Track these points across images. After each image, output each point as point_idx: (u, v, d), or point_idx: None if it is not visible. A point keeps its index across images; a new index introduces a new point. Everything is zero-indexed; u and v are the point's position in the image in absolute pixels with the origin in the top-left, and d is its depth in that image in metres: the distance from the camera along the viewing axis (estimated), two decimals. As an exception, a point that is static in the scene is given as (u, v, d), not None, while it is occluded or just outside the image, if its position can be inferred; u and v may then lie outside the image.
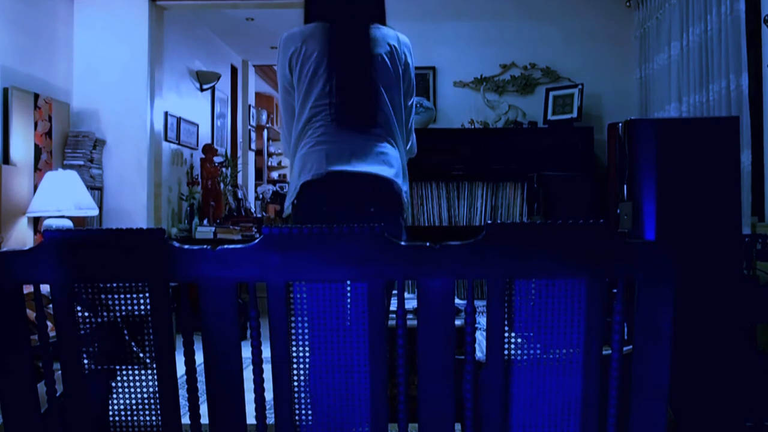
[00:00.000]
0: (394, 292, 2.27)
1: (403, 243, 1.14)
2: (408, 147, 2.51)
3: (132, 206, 5.85)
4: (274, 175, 12.54)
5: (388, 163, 2.34)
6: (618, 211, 3.36)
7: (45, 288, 1.26)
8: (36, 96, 5.18)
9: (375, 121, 2.34)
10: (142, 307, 1.26)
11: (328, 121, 2.33)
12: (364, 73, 2.34)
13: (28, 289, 1.26)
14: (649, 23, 5.26)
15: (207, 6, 6.27)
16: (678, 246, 1.17)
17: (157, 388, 1.25)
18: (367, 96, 2.34)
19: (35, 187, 5.06)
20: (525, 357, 1.17)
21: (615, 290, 1.17)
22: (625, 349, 1.18)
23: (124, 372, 1.28)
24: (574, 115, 5.47)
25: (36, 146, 5.18)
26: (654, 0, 5.17)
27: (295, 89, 2.40)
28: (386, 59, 2.39)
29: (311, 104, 2.36)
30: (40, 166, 5.20)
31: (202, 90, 7.53)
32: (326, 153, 2.30)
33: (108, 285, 1.27)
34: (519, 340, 1.17)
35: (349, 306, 1.22)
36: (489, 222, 1.13)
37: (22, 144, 5.00)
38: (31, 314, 1.48)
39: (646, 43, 5.36)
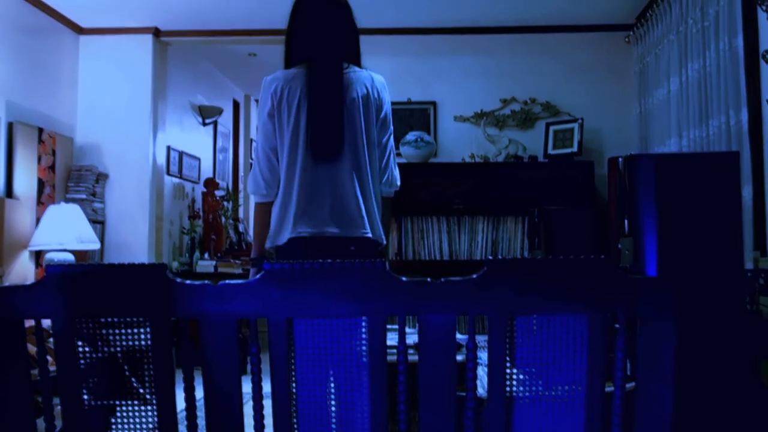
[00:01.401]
0: (390, 326, 2.28)
1: (404, 278, 1.14)
2: (385, 179, 2.67)
3: (133, 240, 5.85)
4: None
5: (367, 217, 2.54)
6: (619, 245, 3.36)
7: (46, 322, 1.26)
8: (40, 130, 5.21)
9: (349, 162, 2.53)
10: (143, 341, 1.26)
11: (309, 164, 2.51)
12: (336, 116, 2.51)
13: (28, 323, 1.26)
14: (648, 58, 5.31)
15: (210, 42, 6.34)
16: (679, 281, 1.17)
17: (156, 424, 1.25)
18: (339, 138, 2.51)
19: (37, 221, 5.07)
20: (527, 394, 1.16)
21: (617, 325, 1.16)
22: (628, 385, 1.17)
23: (124, 407, 1.27)
24: (575, 149, 5.49)
25: (39, 180, 5.20)
26: (653, 36, 5.22)
27: (280, 122, 2.56)
28: (361, 101, 2.56)
29: (297, 141, 2.53)
30: (42, 200, 5.22)
31: (204, 124, 7.58)
32: (307, 209, 2.49)
33: (109, 320, 1.26)
34: (521, 377, 1.16)
35: (347, 341, 1.21)
36: (490, 257, 1.13)
37: (25, 177, 5.02)
38: (31, 348, 1.47)
39: (645, 78, 5.40)
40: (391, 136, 2.70)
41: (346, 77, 2.57)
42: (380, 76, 2.69)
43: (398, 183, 2.74)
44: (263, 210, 2.64)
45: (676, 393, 1.14)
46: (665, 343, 1.12)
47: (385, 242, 2.66)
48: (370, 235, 2.53)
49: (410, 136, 5.59)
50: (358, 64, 2.67)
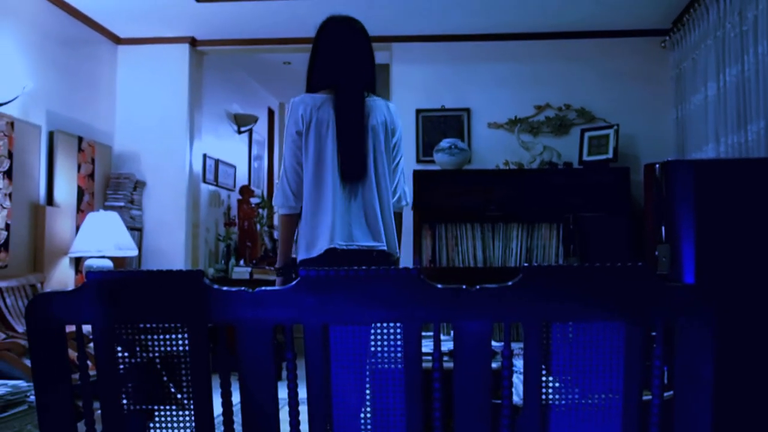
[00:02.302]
0: (424, 333, 2.29)
1: (439, 285, 1.14)
2: (396, 198, 2.92)
3: (170, 247, 5.93)
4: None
5: (385, 232, 2.81)
6: (656, 253, 3.32)
7: (86, 328, 1.28)
8: (80, 139, 5.31)
9: (371, 181, 2.78)
10: (180, 347, 1.27)
11: (338, 183, 2.75)
12: (361, 141, 2.78)
13: (69, 328, 1.29)
14: (685, 64, 5.24)
15: (245, 51, 6.40)
16: (718, 289, 1.15)
17: (194, 428, 1.26)
18: (364, 161, 2.77)
19: (77, 228, 5.16)
20: (563, 401, 1.15)
21: (654, 333, 1.15)
22: (666, 394, 1.16)
23: (162, 412, 1.29)
24: (610, 155, 5.44)
25: (79, 188, 5.30)
26: (690, 40, 5.16)
27: (307, 142, 2.79)
28: (380, 127, 2.83)
29: (324, 161, 2.77)
30: (82, 207, 5.31)
31: (239, 132, 7.65)
32: (343, 223, 2.74)
33: (147, 325, 1.28)
34: (557, 384, 1.15)
35: (381, 347, 1.22)
36: (525, 264, 1.13)
37: (65, 186, 5.12)
38: (72, 354, 1.50)
39: (682, 83, 5.33)
40: (403, 158, 2.96)
41: (367, 105, 2.82)
42: (393, 104, 2.96)
43: (409, 199, 3.01)
44: (290, 222, 2.86)
45: (716, 403, 1.13)
46: (704, 352, 1.11)
47: (398, 255, 2.90)
48: (385, 247, 2.79)
49: (444, 143, 5.59)
50: (374, 91, 2.90)
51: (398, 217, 2.98)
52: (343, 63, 2.83)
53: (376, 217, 2.77)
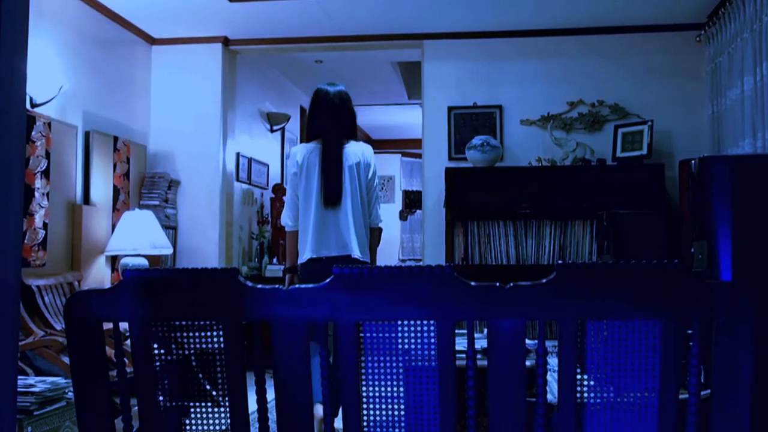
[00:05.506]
0: (457, 331, 2.30)
1: (473, 283, 1.14)
2: (372, 217, 3.91)
3: (204, 245, 5.98)
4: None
5: (357, 243, 3.79)
6: (692, 250, 3.27)
7: (123, 325, 1.30)
8: (115, 139, 5.39)
9: (347, 207, 3.79)
10: (215, 344, 1.29)
11: (321, 206, 3.79)
12: (338, 177, 3.81)
13: (106, 326, 1.31)
14: (721, 58, 5.16)
15: (277, 50, 6.44)
16: (757, 286, 1.13)
17: (229, 425, 1.27)
18: (339, 192, 3.79)
19: (113, 227, 5.23)
20: (598, 400, 1.14)
21: (690, 331, 1.14)
22: (702, 393, 1.15)
23: (197, 409, 1.31)
24: (644, 151, 5.37)
25: (114, 187, 5.37)
26: (725, 35, 5.07)
27: (300, 179, 3.85)
28: (354, 166, 3.85)
29: (310, 193, 3.80)
30: (118, 206, 5.38)
31: (272, 131, 7.69)
32: (318, 239, 3.77)
33: (183, 323, 1.30)
34: (591, 383, 1.15)
35: (415, 345, 1.22)
36: (560, 262, 1.12)
37: (101, 185, 5.20)
38: (109, 351, 1.52)
39: (717, 78, 5.25)
40: (377, 187, 3.96)
41: (345, 150, 3.88)
42: (369, 147, 3.98)
43: (381, 219, 3.98)
44: (294, 236, 3.91)
45: (754, 403, 1.11)
46: (743, 351, 1.09)
47: (368, 261, 3.84)
48: (358, 256, 3.76)
49: (476, 140, 5.56)
50: (354, 138, 3.97)
51: (375, 232, 3.95)
52: (329, 121, 3.89)
53: (350, 233, 3.75)
